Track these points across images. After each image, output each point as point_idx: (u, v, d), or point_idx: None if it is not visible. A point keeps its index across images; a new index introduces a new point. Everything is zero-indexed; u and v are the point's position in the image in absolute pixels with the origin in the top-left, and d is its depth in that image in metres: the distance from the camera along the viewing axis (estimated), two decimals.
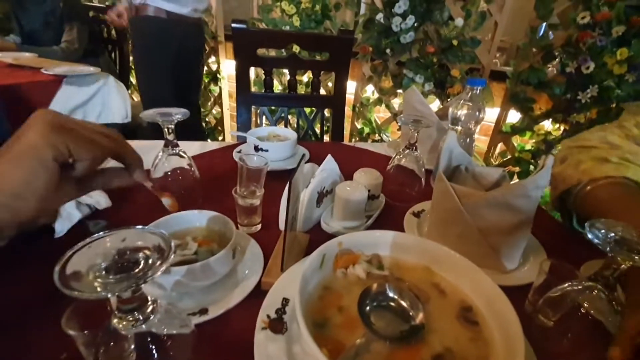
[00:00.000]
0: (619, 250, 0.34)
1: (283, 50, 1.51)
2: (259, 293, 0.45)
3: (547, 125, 1.71)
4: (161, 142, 0.61)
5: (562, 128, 1.63)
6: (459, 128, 0.74)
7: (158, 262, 0.25)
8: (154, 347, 0.33)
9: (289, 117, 1.46)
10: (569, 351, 0.43)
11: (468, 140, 0.75)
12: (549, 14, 1.51)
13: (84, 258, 0.26)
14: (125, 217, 0.61)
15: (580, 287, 0.39)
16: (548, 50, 1.55)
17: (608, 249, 0.34)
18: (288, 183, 0.45)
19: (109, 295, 0.24)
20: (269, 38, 1.28)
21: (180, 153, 0.61)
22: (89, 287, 0.23)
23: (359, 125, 2.19)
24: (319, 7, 1.93)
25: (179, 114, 0.57)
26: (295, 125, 1.42)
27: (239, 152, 0.87)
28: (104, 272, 0.25)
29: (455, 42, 1.65)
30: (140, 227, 0.28)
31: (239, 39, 1.16)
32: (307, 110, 1.58)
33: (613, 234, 0.35)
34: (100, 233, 0.28)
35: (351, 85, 2.07)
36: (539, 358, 0.39)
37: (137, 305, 0.28)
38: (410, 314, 0.39)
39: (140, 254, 0.26)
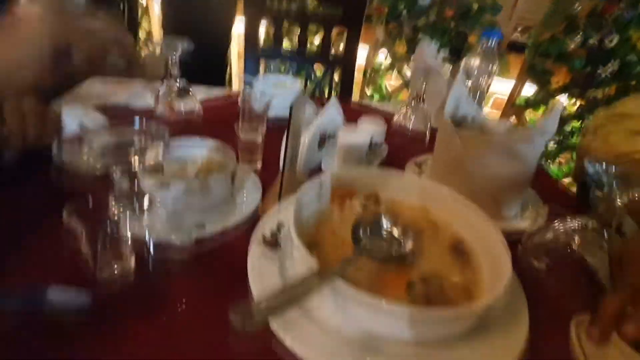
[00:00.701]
0: (618, 182, 0.33)
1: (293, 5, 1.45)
2: (256, 219, 0.45)
3: (562, 100, 1.66)
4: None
5: (578, 103, 1.58)
6: (470, 82, 0.71)
7: (150, 146, 0.25)
8: (152, 252, 0.35)
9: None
10: (560, 295, 0.43)
11: (478, 94, 0.73)
12: None
13: (82, 146, 0.27)
14: None
15: (574, 225, 0.39)
16: (571, 20, 1.48)
17: (605, 180, 0.33)
18: (289, 112, 0.44)
19: (103, 170, 0.24)
20: None
21: (184, 87, 0.61)
22: (85, 162, 0.24)
23: (369, 92, 2.15)
24: None
25: (183, 44, 0.56)
26: (303, 87, 1.39)
27: None
28: (100, 155, 0.26)
29: (475, 7, 1.58)
30: (137, 119, 0.28)
31: None
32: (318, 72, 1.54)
33: (614, 168, 0.34)
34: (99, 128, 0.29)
35: (363, 52, 2.01)
36: (530, 303, 0.38)
37: (134, 198, 0.29)
38: (402, 242, 0.39)
39: (136, 139, 0.26)
